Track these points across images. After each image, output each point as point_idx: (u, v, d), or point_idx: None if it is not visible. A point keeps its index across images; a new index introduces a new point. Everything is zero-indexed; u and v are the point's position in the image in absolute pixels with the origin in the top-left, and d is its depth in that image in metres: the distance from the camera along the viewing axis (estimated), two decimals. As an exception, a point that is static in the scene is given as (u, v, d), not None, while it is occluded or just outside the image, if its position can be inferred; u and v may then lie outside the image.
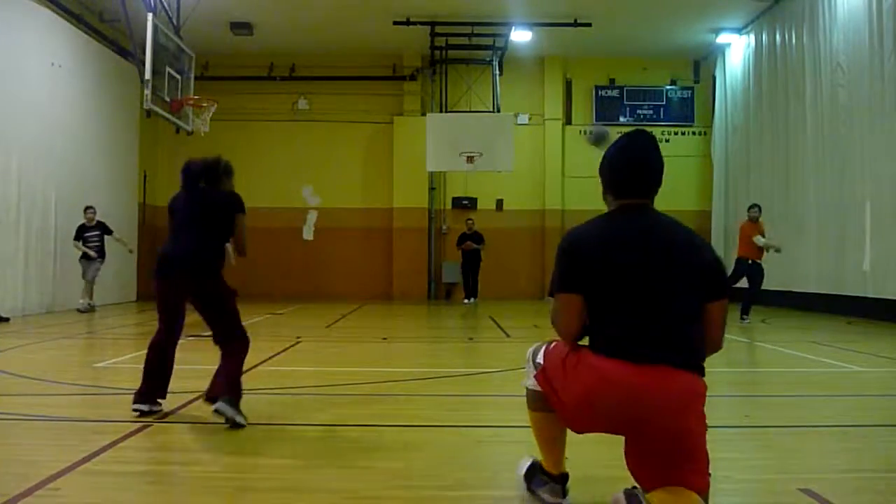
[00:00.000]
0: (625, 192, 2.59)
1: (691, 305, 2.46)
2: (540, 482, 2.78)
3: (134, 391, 4.53)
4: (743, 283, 11.91)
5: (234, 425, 4.12)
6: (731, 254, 16.86)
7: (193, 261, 4.44)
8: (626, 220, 2.54)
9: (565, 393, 2.50)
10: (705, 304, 2.49)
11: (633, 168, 2.59)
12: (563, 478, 2.75)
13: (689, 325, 2.44)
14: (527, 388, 2.75)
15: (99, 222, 12.94)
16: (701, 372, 2.45)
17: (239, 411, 4.20)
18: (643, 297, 2.42)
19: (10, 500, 2.81)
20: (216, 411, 4.14)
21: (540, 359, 2.67)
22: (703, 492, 2.39)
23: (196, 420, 4.40)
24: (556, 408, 2.56)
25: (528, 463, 2.88)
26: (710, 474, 2.45)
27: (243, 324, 4.56)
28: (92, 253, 12.77)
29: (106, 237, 13.01)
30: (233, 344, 4.49)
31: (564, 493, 2.74)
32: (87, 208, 12.90)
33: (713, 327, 2.52)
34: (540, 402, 2.67)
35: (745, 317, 11.48)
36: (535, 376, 2.68)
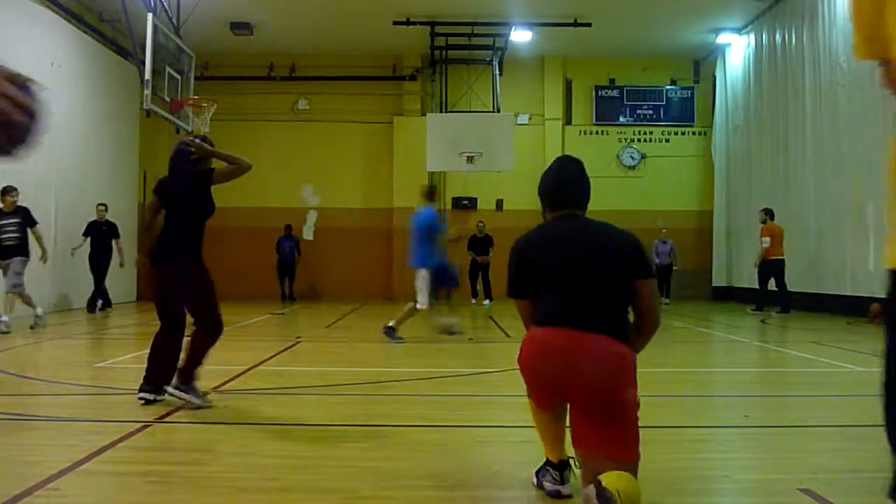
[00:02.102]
0: (556, 205, 3.05)
1: (615, 286, 2.83)
2: (543, 472, 2.96)
3: (132, 391, 4.54)
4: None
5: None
6: (735, 252, 17.02)
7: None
8: (558, 225, 3.01)
9: (522, 370, 2.88)
10: (633, 282, 2.85)
11: (561, 187, 3.08)
12: (562, 464, 2.90)
13: (612, 302, 2.81)
14: None
15: (20, 208, 9.86)
16: (622, 339, 2.75)
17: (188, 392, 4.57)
18: (571, 280, 2.82)
19: (10, 500, 2.81)
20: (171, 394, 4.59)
21: None
22: (631, 462, 2.64)
23: (196, 420, 4.40)
24: (526, 387, 2.92)
25: (540, 464, 3.04)
26: (639, 452, 2.69)
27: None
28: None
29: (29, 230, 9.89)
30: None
31: (563, 480, 2.88)
32: (5, 190, 9.68)
33: (643, 303, 2.88)
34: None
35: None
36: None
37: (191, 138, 4.95)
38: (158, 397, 4.71)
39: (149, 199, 4.98)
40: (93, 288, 13.20)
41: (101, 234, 13.09)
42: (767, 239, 12.91)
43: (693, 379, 6.52)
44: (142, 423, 4.20)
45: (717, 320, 12.50)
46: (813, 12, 13.49)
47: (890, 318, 1.97)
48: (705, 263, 17.72)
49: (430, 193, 8.99)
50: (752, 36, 16.30)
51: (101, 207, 13.29)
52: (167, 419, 4.32)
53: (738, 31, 16.73)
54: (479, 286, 16.41)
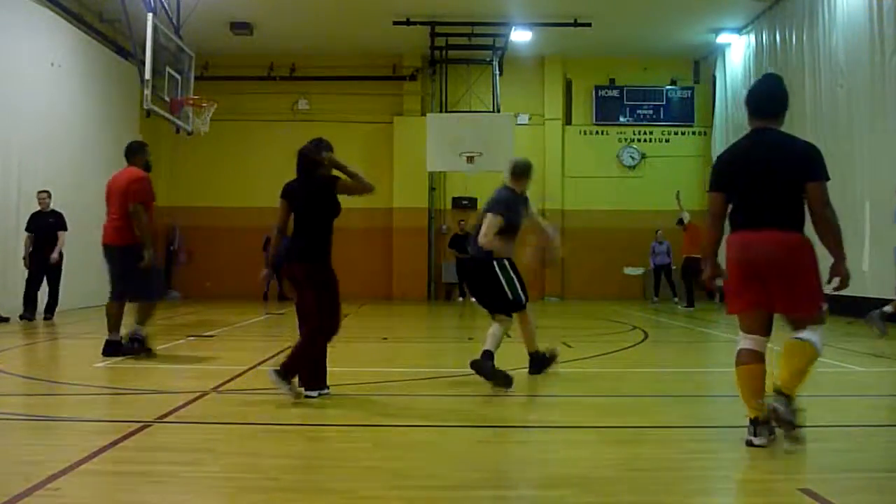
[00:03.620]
0: (753, 114, 3.86)
1: (789, 191, 3.70)
2: (748, 426, 3.72)
3: (132, 391, 4.53)
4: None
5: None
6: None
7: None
8: (748, 140, 3.86)
9: (728, 266, 3.80)
10: (805, 184, 3.70)
11: (755, 99, 3.87)
12: (754, 421, 3.68)
13: (788, 203, 3.70)
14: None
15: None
16: (798, 230, 3.72)
17: (282, 383, 4.81)
18: (753, 192, 3.72)
19: (9, 500, 2.81)
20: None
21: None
22: (814, 315, 3.83)
23: (196, 420, 4.40)
24: (727, 297, 3.94)
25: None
26: (822, 307, 3.85)
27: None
28: None
29: None
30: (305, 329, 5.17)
31: (756, 434, 3.66)
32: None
33: (812, 203, 3.71)
34: (737, 358, 3.81)
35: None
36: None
37: (323, 151, 5.26)
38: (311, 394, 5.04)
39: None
40: (46, 292, 11.59)
41: (47, 228, 11.19)
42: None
43: (693, 379, 6.52)
44: (142, 423, 4.19)
45: (718, 320, 12.48)
46: (813, 12, 13.49)
47: None
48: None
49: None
50: (752, 36, 16.29)
51: (44, 195, 11.26)
52: (167, 419, 4.31)
53: (738, 31, 16.72)
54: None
